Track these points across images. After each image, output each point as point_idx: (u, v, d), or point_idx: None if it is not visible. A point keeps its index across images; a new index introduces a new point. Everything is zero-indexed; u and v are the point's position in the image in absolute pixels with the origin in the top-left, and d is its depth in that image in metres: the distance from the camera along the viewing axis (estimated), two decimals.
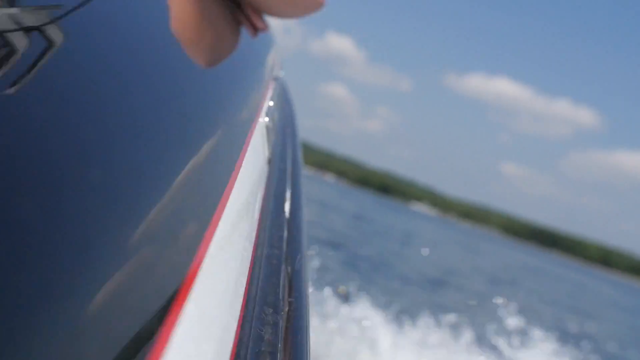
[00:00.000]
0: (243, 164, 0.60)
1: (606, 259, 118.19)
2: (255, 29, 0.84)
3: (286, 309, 0.56)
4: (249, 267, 0.55)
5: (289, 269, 0.66)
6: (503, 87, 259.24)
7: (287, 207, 0.84)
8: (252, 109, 0.77)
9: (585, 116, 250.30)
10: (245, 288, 0.51)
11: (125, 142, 0.37)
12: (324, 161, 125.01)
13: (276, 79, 1.21)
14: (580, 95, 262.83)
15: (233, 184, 0.53)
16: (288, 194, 0.89)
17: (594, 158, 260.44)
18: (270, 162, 0.86)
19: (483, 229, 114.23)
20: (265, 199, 0.77)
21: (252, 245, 0.59)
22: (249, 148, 0.67)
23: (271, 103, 0.97)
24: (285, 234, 0.74)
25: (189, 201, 0.40)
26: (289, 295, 0.60)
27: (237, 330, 0.44)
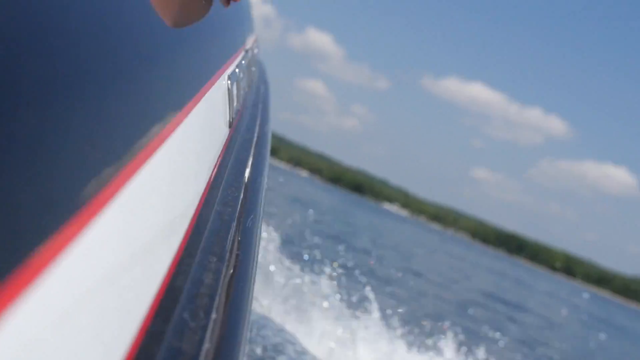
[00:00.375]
0: (197, 121, 0.60)
1: (570, 267, 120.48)
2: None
3: (232, 260, 0.56)
4: (192, 220, 0.55)
5: (240, 226, 0.67)
6: (478, 92, 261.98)
7: (247, 171, 0.85)
8: (212, 71, 0.77)
9: (555, 125, 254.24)
10: (186, 237, 0.51)
11: (91, 92, 0.36)
12: (298, 156, 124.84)
13: (246, 50, 1.21)
14: (552, 105, 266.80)
15: (182, 137, 0.53)
16: (249, 160, 0.90)
17: (562, 167, 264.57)
18: (231, 125, 0.88)
19: (452, 232, 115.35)
20: (222, 158, 0.78)
21: (200, 199, 0.60)
22: (206, 106, 0.67)
23: (237, 70, 0.98)
24: (242, 195, 0.75)
25: (131, 140, 0.40)
26: (237, 249, 0.61)
27: (171, 271, 0.44)
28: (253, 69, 1.41)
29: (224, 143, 0.82)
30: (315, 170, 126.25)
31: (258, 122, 1.19)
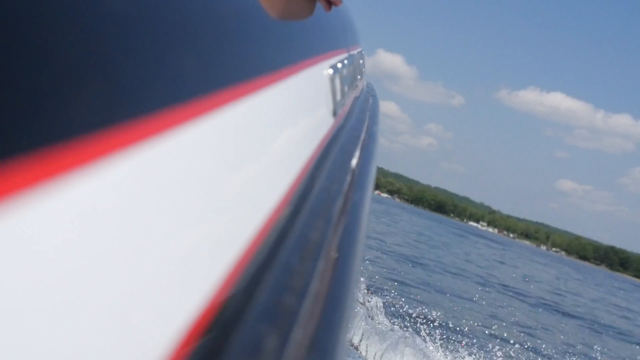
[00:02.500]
0: (295, 96, 0.64)
1: None
2: (329, 4, 0.86)
3: (334, 247, 0.55)
4: (289, 194, 0.55)
5: (347, 205, 0.68)
6: (559, 102, 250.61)
7: (353, 161, 0.86)
8: (312, 52, 0.81)
9: None
10: (279, 211, 0.51)
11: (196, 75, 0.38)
12: (377, 178, 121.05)
13: (350, 55, 1.25)
14: None
15: (278, 107, 0.56)
16: (356, 152, 0.93)
17: None
18: (335, 115, 0.92)
19: (545, 249, 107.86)
20: (327, 145, 0.80)
21: (297, 179, 0.59)
22: (305, 85, 0.71)
23: (339, 65, 1.01)
24: (348, 178, 0.76)
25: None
26: (342, 230, 0.60)
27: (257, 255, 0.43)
28: (359, 76, 1.45)
29: (328, 130, 0.84)
30: (394, 190, 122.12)
31: (366, 123, 1.22)
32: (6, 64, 0.22)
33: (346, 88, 1.11)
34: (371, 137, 1.17)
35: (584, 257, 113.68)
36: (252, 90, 0.48)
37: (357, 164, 0.88)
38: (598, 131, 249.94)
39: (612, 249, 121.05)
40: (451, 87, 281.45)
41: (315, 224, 0.55)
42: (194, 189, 0.34)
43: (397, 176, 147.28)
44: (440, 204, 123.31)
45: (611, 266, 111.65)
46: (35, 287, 0.21)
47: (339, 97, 0.98)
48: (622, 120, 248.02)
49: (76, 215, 0.23)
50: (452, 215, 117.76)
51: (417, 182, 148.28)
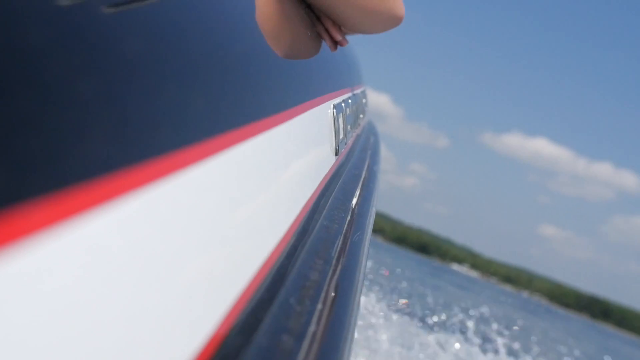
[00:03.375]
0: (299, 135, 0.65)
1: None
2: (335, 43, 0.87)
3: (334, 280, 0.56)
4: (292, 229, 0.56)
5: (347, 241, 0.68)
6: (542, 148, 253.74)
7: (354, 200, 0.87)
8: (316, 92, 0.82)
9: (628, 180, 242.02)
10: (282, 247, 0.51)
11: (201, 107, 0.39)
12: None
13: (354, 94, 1.25)
14: (622, 160, 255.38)
15: (282, 145, 0.58)
16: (357, 191, 0.93)
17: (638, 222, 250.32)
18: (338, 154, 0.92)
19: (527, 295, 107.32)
20: (328, 182, 0.80)
21: (300, 212, 0.60)
22: (309, 125, 0.72)
23: (342, 104, 1.02)
24: (349, 217, 0.76)
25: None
26: (342, 265, 0.60)
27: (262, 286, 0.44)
28: (361, 115, 1.45)
29: (329, 168, 0.84)
30: (377, 230, 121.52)
31: (367, 162, 1.22)
32: (18, 107, 0.23)
33: (349, 127, 1.12)
34: (372, 176, 1.16)
35: (566, 305, 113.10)
36: (257, 131, 0.49)
37: (357, 203, 0.88)
38: (580, 178, 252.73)
39: (594, 298, 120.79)
40: (436, 127, 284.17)
41: (314, 263, 0.55)
42: (195, 228, 0.34)
43: (381, 215, 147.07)
44: (423, 245, 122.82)
45: (593, 315, 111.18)
46: (38, 323, 0.21)
47: (341, 135, 0.99)
48: (603, 169, 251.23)
49: (77, 256, 0.24)
50: (434, 256, 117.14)
51: (401, 222, 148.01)
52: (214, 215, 0.37)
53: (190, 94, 0.37)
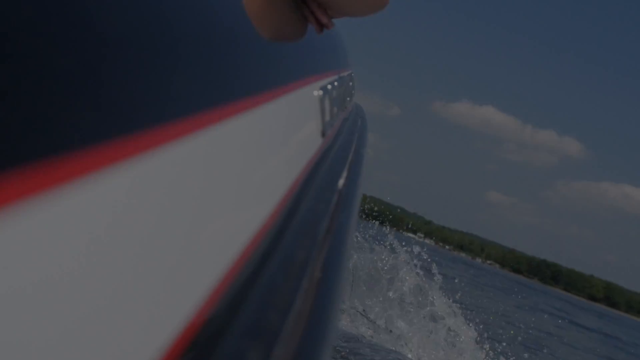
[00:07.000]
0: (285, 116, 0.66)
1: (609, 296, 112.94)
2: (320, 26, 0.87)
3: (319, 265, 0.56)
4: (275, 212, 0.55)
5: (333, 224, 0.67)
6: (490, 116, 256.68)
7: (340, 181, 0.87)
8: (301, 74, 0.82)
9: (571, 147, 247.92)
10: (264, 230, 0.51)
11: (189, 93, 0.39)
12: None
13: (340, 77, 1.26)
14: (566, 127, 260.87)
15: (268, 125, 0.58)
16: (344, 173, 0.93)
17: (579, 188, 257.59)
18: (324, 135, 0.93)
19: (481, 261, 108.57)
20: (315, 164, 0.80)
21: (285, 195, 0.60)
22: (295, 106, 0.72)
23: (329, 86, 1.03)
24: (335, 198, 0.77)
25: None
26: (326, 251, 0.60)
27: (243, 270, 0.44)
28: (348, 98, 1.49)
29: (316, 150, 0.85)
30: None
31: (354, 144, 1.23)
32: (10, 77, 0.22)
33: (335, 109, 1.12)
34: (358, 159, 1.17)
35: (517, 270, 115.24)
36: (242, 110, 0.49)
37: (344, 185, 0.88)
38: (526, 145, 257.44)
39: (545, 262, 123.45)
40: (388, 97, 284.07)
41: (300, 243, 0.56)
42: (180, 206, 0.34)
43: None
44: (378, 213, 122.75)
45: (543, 280, 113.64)
46: (23, 289, 0.21)
47: (328, 118, 0.99)
48: (548, 136, 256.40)
49: (60, 227, 0.23)
50: (389, 225, 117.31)
51: None
52: (199, 194, 0.37)
53: (175, 72, 0.37)
